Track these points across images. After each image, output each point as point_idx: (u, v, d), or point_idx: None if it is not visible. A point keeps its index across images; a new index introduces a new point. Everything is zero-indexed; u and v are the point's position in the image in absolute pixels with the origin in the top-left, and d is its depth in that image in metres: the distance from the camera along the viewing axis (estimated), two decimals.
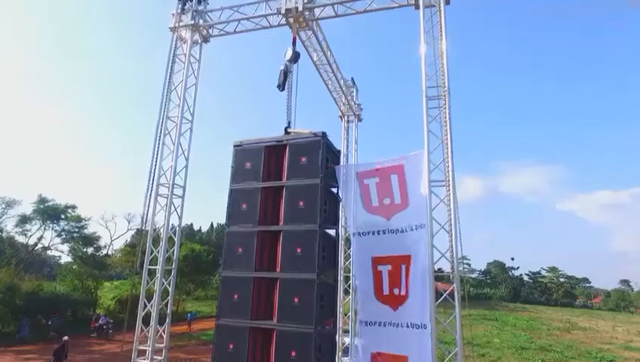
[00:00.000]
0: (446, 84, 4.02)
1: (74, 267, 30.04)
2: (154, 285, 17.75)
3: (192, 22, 5.23)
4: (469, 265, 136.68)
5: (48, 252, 33.25)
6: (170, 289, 4.82)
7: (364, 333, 4.05)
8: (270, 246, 4.01)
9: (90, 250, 30.69)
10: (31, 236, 28.24)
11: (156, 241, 5.22)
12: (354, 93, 7.57)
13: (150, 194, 4.67)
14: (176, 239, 4.94)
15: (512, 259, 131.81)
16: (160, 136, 4.79)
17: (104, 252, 33.86)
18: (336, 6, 4.90)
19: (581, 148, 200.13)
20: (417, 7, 4.67)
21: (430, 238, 3.84)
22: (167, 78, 5.00)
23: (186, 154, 5.15)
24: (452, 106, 4.12)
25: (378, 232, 3.95)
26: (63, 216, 28.68)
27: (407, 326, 3.75)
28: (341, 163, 4.52)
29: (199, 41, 5.45)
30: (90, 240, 30.32)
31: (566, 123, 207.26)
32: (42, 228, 28.19)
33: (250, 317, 3.84)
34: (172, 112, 5.22)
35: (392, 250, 3.87)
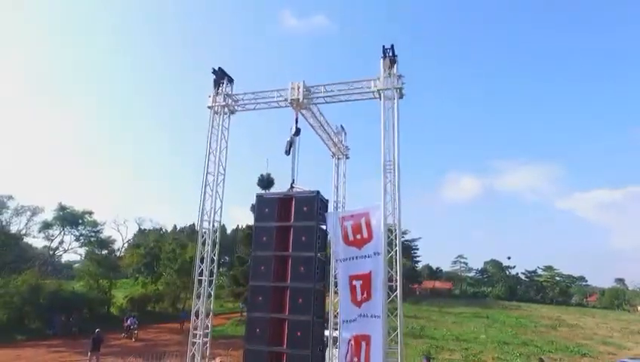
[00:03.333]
0: (396, 159, 6.16)
1: (90, 269, 32.24)
2: (169, 286, 20.38)
3: (224, 102, 7.39)
4: (465, 264, 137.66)
5: (66, 254, 35.40)
6: (212, 292, 6.98)
7: (345, 328, 6.21)
8: (282, 265, 6.19)
9: (104, 252, 32.94)
10: (53, 240, 30.47)
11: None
12: (342, 137, 9.67)
13: (201, 227, 6.84)
14: (215, 258, 7.08)
15: (509, 258, 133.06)
16: (203, 188, 6.97)
17: (117, 254, 36.11)
18: (325, 97, 7.10)
19: (580, 146, 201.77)
20: (380, 98, 6.83)
21: (384, 261, 6.00)
22: (208, 143, 7.16)
23: (220, 197, 7.32)
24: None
25: (353, 258, 6.11)
26: (80, 221, 30.92)
27: (370, 317, 5.90)
28: (329, 209, 6.71)
29: (228, 113, 7.62)
30: (106, 243, 32.62)
31: (564, 120, 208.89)
32: (62, 232, 30.43)
33: (270, 311, 6.02)
34: (210, 167, 7.38)
35: (362, 270, 6.03)
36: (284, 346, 5.86)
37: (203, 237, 6.78)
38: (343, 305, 5.77)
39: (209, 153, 7.09)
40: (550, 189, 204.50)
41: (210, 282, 6.78)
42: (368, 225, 6.02)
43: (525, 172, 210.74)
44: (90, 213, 31.75)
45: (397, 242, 5.97)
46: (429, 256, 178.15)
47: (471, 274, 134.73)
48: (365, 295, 5.74)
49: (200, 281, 6.81)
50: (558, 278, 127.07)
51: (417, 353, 17.39)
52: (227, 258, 55.88)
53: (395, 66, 6.54)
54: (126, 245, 44.84)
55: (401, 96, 6.56)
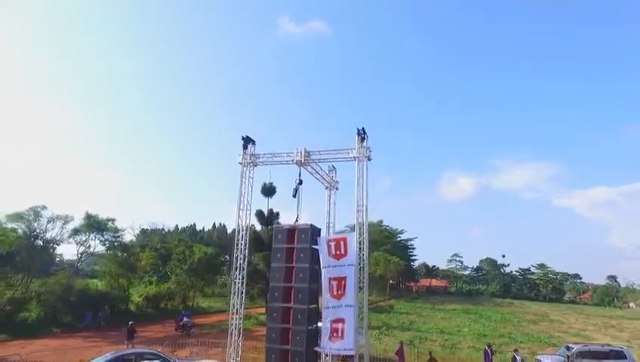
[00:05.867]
0: (364, 203, 9.57)
1: (112, 269, 35.79)
2: (179, 285, 24.65)
3: (250, 160, 10.84)
4: (461, 262, 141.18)
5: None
6: (242, 290, 10.42)
7: (327, 313, 9.63)
8: (290, 272, 9.64)
9: (124, 255, 36.52)
10: (81, 245, 33.98)
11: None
12: (333, 174, 13.11)
13: (237, 249, 10.32)
14: (243, 264, 10.51)
15: (503, 256, 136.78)
16: (239, 222, 10.45)
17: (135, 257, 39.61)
18: (319, 163, 10.60)
19: (579, 144, 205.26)
20: (355, 161, 10.28)
21: (355, 269, 9.44)
22: (240, 188, 10.62)
23: (247, 227, 10.76)
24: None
25: (334, 266, 9.54)
26: (104, 228, 34.50)
27: (345, 306, 9.32)
28: (322, 235, 10.17)
29: (252, 166, 11.08)
30: (127, 247, 36.21)
31: (564, 119, 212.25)
32: (89, 238, 34.00)
33: (282, 302, 9.47)
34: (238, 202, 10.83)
35: (340, 274, 9.45)
36: (290, 324, 9.34)
37: (237, 260, 10.26)
38: (325, 298, 9.25)
39: (241, 194, 10.57)
40: (548, 187, 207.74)
41: (242, 283, 10.25)
42: (345, 245, 9.48)
43: (524, 170, 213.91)
44: (113, 220, 35.39)
45: (364, 256, 9.47)
46: (426, 255, 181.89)
47: (466, 272, 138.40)
48: (341, 291, 9.18)
49: (234, 282, 10.29)
50: (551, 276, 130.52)
51: (398, 341, 20.82)
52: (228, 257, 59.28)
53: (365, 141, 10.00)
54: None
55: (369, 160, 10.00)
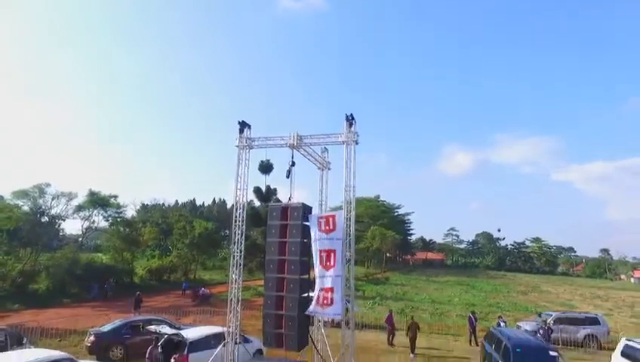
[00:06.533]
0: (351, 184, 10.41)
1: (116, 244, 37.10)
2: (181, 259, 26.18)
3: (246, 143, 11.62)
4: (457, 236, 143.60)
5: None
6: (240, 262, 11.40)
7: (318, 283, 10.64)
8: (283, 247, 10.61)
9: (127, 230, 37.75)
10: (85, 220, 35.13)
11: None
12: (326, 155, 13.89)
13: (235, 225, 11.25)
14: (240, 239, 11.44)
15: (499, 230, 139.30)
16: (236, 200, 11.33)
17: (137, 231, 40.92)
18: (311, 146, 11.41)
19: (577, 119, 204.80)
20: (344, 145, 11.07)
21: (343, 243, 10.39)
22: (237, 170, 11.45)
23: (244, 205, 11.65)
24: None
25: (323, 239, 10.48)
26: (107, 204, 35.56)
27: (334, 276, 10.32)
28: (313, 213, 11.07)
29: (248, 149, 11.87)
30: (130, 223, 37.37)
31: (564, 94, 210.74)
32: (92, 214, 35.10)
33: (277, 273, 10.47)
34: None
35: (328, 247, 10.40)
36: (284, 292, 10.39)
37: (235, 235, 11.22)
38: (316, 268, 10.27)
39: (238, 175, 11.44)
40: (547, 162, 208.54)
41: (240, 256, 11.25)
42: (334, 221, 10.39)
43: (523, 145, 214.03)
44: (115, 196, 36.45)
45: (351, 232, 10.45)
46: (424, 229, 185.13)
47: (462, 246, 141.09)
48: (331, 262, 10.18)
49: (233, 256, 11.28)
50: (545, 249, 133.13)
51: (388, 309, 22.19)
52: (227, 231, 60.77)
53: (353, 126, 10.77)
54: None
55: (356, 143, 10.79)
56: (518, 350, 11.44)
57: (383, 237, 67.08)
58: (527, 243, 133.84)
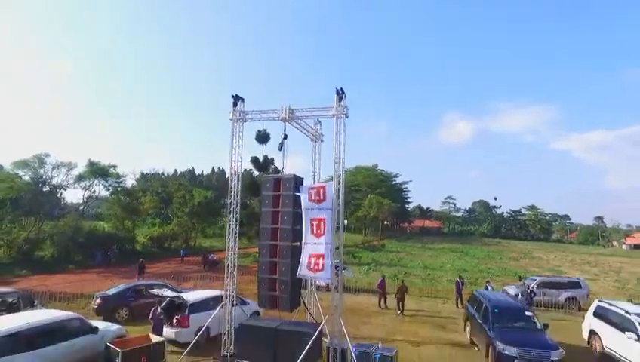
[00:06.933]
0: (341, 156, 10.89)
1: (117, 213, 37.91)
2: (181, 227, 27.00)
3: (239, 116, 11.98)
4: (454, 204, 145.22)
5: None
6: (236, 231, 12.04)
7: (306, 249, 11.26)
8: (276, 216, 11.21)
9: (127, 199, 38.46)
10: (86, 189, 35.76)
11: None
12: (319, 127, 14.27)
13: (231, 196, 11.80)
14: (236, 209, 12.04)
15: (495, 198, 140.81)
16: (232, 172, 11.84)
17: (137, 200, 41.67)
18: (304, 119, 11.79)
19: (578, 88, 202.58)
20: (334, 118, 11.46)
21: (333, 213, 10.99)
22: (231, 142, 11.89)
23: (239, 175, 12.15)
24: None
25: (314, 209, 11.06)
26: (107, 174, 36.08)
27: (324, 244, 10.96)
28: (304, 184, 11.60)
29: (241, 122, 12.25)
30: (130, 192, 38.02)
31: (564, 62, 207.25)
32: (93, 183, 35.66)
33: (270, 240, 11.13)
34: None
35: (319, 216, 10.99)
36: (277, 258, 11.08)
37: (231, 205, 11.78)
38: (306, 235, 10.87)
39: (232, 147, 11.90)
40: (547, 131, 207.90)
41: (236, 225, 11.88)
42: (324, 192, 10.91)
43: (524, 114, 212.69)
44: (115, 166, 36.94)
45: (340, 202, 11.03)
46: (422, 198, 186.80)
47: (459, 214, 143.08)
48: (321, 230, 10.79)
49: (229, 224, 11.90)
50: (541, 217, 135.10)
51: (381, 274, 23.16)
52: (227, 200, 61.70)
53: (343, 100, 11.11)
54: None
55: (346, 117, 11.17)
56: (496, 310, 12.28)
57: (379, 206, 68.18)
58: (524, 211, 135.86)
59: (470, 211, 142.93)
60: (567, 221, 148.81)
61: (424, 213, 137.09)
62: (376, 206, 68.09)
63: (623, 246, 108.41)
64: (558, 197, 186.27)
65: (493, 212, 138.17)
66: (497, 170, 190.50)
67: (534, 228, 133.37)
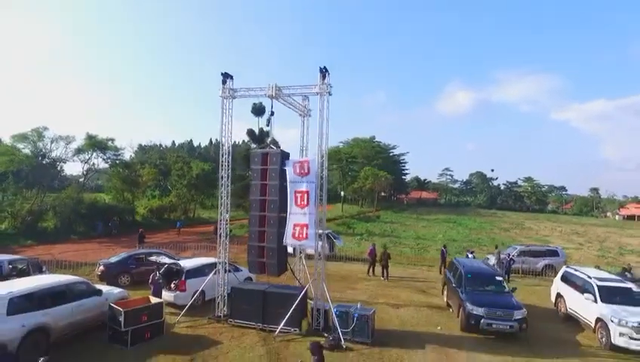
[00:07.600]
0: (324, 131, 11.58)
1: (117, 185, 38.79)
2: (180, 199, 28.05)
3: (229, 93, 12.58)
4: (451, 176, 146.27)
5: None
6: (228, 202, 12.88)
7: (291, 219, 12.09)
8: (264, 188, 12.02)
9: (127, 172, 39.26)
10: (85, 163, 36.48)
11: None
12: (307, 103, 14.86)
13: (222, 169, 12.58)
14: (227, 182, 12.84)
15: (492, 170, 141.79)
16: (222, 145, 12.57)
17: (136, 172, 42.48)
18: (290, 96, 12.40)
19: (581, 56, 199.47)
20: (318, 96, 12.08)
21: (317, 186, 11.79)
22: (221, 118, 12.55)
23: (229, 152, 12.88)
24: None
25: (298, 182, 11.85)
26: (105, 147, 36.71)
27: (308, 214, 11.82)
28: (290, 158, 12.34)
29: (231, 99, 12.86)
30: (129, 165, 38.77)
31: (567, 31, 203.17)
32: (92, 156, 36.36)
33: (259, 211, 11.99)
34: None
35: (302, 188, 11.80)
36: (265, 228, 11.98)
37: (222, 178, 12.57)
38: (291, 206, 11.70)
39: (222, 124, 12.57)
40: (548, 100, 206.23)
41: (227, 197, 12.71)
42: (308, 166, 11.68)
43: (525, 83, 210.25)
44: (113, 139, 37.55)
45: (323, 176, 11.82)
46: (420, 169, 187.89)
47: (456, 186, 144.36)
48: (305, 202, 11.62)
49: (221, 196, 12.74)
50: (536, 188, 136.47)
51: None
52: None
53: (327, 78, 11.70)
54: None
55: (330, 95, 11.79)
56: (469, 276, 13.32)
57: (375, 177, 69.05)
58: (520, 182, 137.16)
59: (467, 183, 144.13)
60: (564, 192, 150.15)
61: (421, 184, 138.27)
62: (372, 178, 68.97)
63: (616, 217, 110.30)
64: (557, 167, 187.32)
65: (490, 183, 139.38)
66: (495, 141, 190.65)
67: (530, 199, 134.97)
